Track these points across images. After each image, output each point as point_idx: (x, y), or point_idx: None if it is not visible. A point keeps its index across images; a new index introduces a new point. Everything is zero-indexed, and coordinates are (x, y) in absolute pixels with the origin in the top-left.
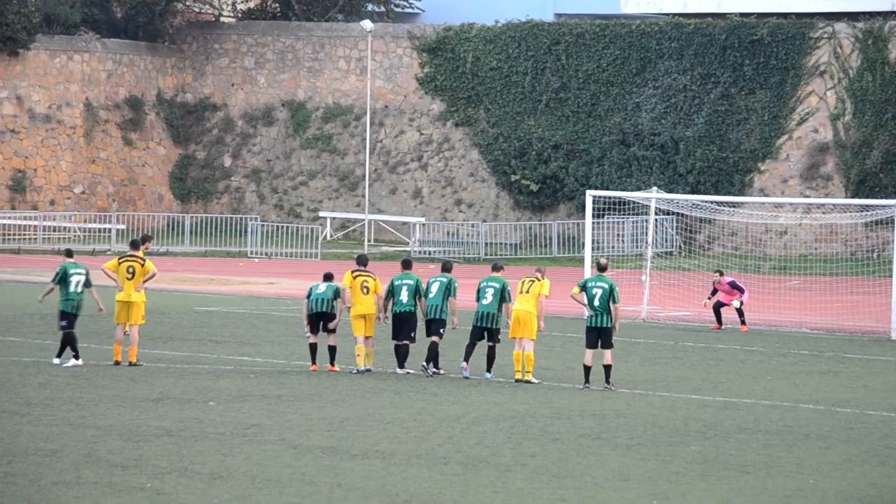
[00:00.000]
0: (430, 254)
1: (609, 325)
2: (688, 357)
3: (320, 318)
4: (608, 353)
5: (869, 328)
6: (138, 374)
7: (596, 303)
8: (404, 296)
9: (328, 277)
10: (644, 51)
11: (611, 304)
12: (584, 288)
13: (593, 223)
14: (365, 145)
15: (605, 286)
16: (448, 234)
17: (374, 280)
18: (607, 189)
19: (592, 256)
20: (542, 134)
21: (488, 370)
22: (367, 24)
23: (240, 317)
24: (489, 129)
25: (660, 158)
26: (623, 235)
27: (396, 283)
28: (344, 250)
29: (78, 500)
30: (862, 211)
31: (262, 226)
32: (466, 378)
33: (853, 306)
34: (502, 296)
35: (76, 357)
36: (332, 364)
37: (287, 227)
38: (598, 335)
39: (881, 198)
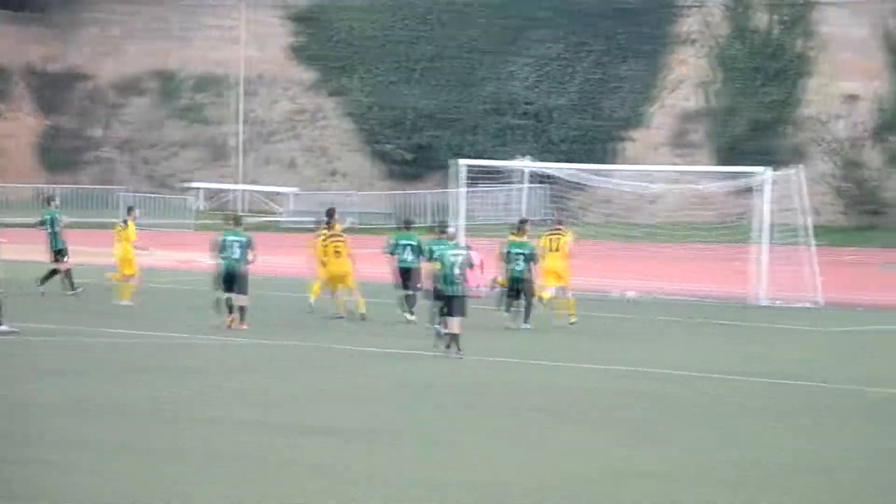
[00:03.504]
0: (303, 224)
1: (463, 294)
2: (589, 327)
3: (231, 280)
4: (457, 321)
5: (735, 294)
6: (25, 347)
7: (457, 270)
8: (408, 254)
9: (237, 221)
10: (518, 19)
11: (465, 271)
12: (440, 258)
13: (466, 192)
14: (237, 115)
15: (462, 254)
16: (322, 204)
17: (345, 243)
18: (480, 158)
19: (465, 225)
20: (416, 103)
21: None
22: None
23: (119, 288)
24: (362, 98)
25: (533, 127)
26: (496, 205)
27: (402, 242)
28: (217, 221)
29: None
30: (729, 178)
31: (133, 197)
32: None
33: (722, 273)
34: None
35: None
36: (243, 321)
37: (157, 198)
38: (451, 303)
39: (747, 164)
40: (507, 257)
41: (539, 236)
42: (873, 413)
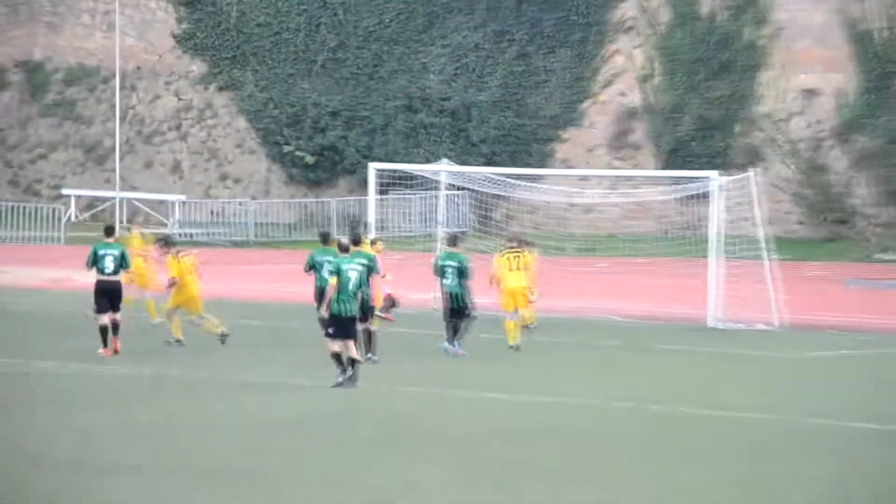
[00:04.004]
0: (192, 236)
1: (351, 315)
2: (481, 350)
3: (109, 294)
4: (353, 343)
5: (684, 315)
6: None
7: (351, 287)
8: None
9: (109, 232)
10: (431, 5)
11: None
12: (338, 272)
13: (377, 200)
14: (114, 112)
15: (361, 268)
16: (213, 213)
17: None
18: (392, 161)
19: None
20: (318, 99)
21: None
22: None
23: None
24: (257, 93)
25: (450, 126)
26: (411, 213)
27: (319, 258)
28: (92, 233)
29: None
30: (674, 184)
31: None
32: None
33: (668, 291)
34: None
35: None
36: (116, 336)
37: (24, 207)
38: (348, 323)
39: (695, 168)
40: (441, 271)
41: (496, 252)
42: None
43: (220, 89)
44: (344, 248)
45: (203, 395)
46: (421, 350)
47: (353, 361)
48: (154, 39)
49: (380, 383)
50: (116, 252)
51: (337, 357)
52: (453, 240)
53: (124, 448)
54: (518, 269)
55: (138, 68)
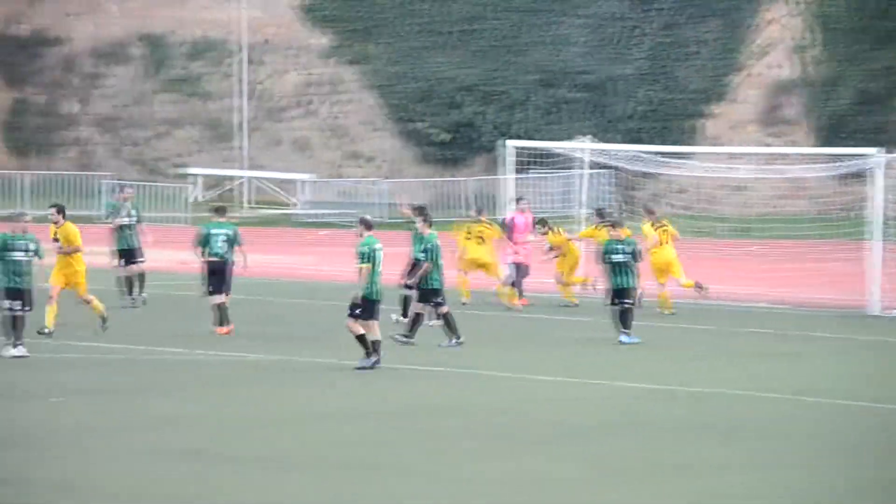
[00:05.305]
0: (321, 217)
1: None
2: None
3: (220, 275)
4: (376, 324)
5: (842, 301)
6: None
7: (379, 268)
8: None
9: (221, 211)
10: None
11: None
12: (370, 257)
13: (515, 179)
14: (240, 88)
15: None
16: (342, 193)
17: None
18: (531, 138)
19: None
20: (452, 73)
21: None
22: None
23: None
24: (387, 67)
25: (592, 101)
26: (551, 193)
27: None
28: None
29: None
30: (832, 162)
31: (116, 185)
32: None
33: (824, 276)
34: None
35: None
36: (224, 325)
37: (148, 187)
38: (375, 306)
39: (855, 145)
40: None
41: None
42: None
43: (349, 63)
44: (369, 226)
45: (329, 381)
46: (576, 338)
47: (376, 343)
48: (280, 11)
49: (506, 371)
50: (229, 232)
51: (361, 339)
52: (617, 223)
53: (241, 439)
54: (666, 242)
55: (265, 41)
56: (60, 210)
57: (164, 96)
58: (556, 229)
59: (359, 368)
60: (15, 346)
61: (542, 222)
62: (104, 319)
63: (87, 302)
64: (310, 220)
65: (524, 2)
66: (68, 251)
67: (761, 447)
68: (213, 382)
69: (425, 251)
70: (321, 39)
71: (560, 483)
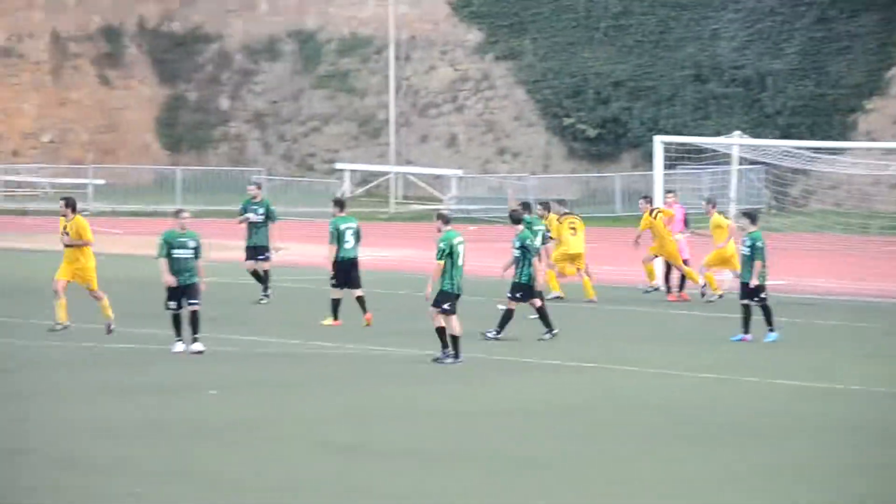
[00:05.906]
0: (469, 213)
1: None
2: (783, 334)
3: (349, 270)
4: (455, 319)
5: None
6: (118, 358)
7: (460, 262)
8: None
9: (341, 205)
10: None
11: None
12: (450, 253)
13: (664, 175)
14: (389, 84)
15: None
16: (490, 189)
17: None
18: (680, 134)
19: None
20: (601, 69)
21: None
22: None
23: (241, 289)
24: (537, 63)
25: (743, 96)
26: (700, 189)
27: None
28: (367, 209)
29: None
30: None
31: (269, 180)
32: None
33: None
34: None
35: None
36: (367, 311)
37: (298, 182)
38: (455, 300)
39: None
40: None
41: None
42: None
43: (498, 59)
44: (447, 221)
45: (480, 377)
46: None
47: (455, 338)
48: (429, 7)
49: (666, 369)
50: (354, 225)
51: (440, 331)
52: (753, 217)
53: (400, 432)
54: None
55: (413, 38)
56: (69, 203)
57: (316, 92)
58: (560, 218)
59: (435, 360)
60: (194, 340)
61: (544, 205)
62: (110, 326)
63: (98, 299)
64: (459, 216)
65: None
66: (75, 244)
67: None
68: (365, 376)
69: (522, 247)
70: (471, 35)
71: (744, 480)
